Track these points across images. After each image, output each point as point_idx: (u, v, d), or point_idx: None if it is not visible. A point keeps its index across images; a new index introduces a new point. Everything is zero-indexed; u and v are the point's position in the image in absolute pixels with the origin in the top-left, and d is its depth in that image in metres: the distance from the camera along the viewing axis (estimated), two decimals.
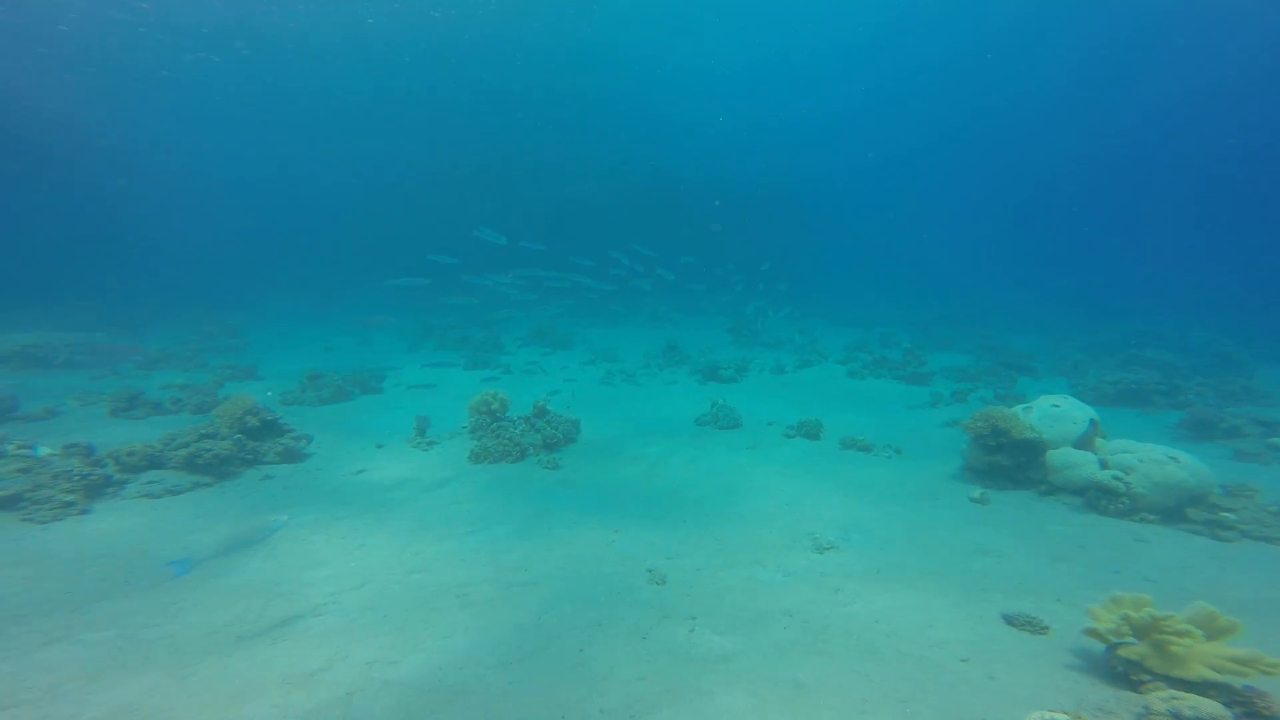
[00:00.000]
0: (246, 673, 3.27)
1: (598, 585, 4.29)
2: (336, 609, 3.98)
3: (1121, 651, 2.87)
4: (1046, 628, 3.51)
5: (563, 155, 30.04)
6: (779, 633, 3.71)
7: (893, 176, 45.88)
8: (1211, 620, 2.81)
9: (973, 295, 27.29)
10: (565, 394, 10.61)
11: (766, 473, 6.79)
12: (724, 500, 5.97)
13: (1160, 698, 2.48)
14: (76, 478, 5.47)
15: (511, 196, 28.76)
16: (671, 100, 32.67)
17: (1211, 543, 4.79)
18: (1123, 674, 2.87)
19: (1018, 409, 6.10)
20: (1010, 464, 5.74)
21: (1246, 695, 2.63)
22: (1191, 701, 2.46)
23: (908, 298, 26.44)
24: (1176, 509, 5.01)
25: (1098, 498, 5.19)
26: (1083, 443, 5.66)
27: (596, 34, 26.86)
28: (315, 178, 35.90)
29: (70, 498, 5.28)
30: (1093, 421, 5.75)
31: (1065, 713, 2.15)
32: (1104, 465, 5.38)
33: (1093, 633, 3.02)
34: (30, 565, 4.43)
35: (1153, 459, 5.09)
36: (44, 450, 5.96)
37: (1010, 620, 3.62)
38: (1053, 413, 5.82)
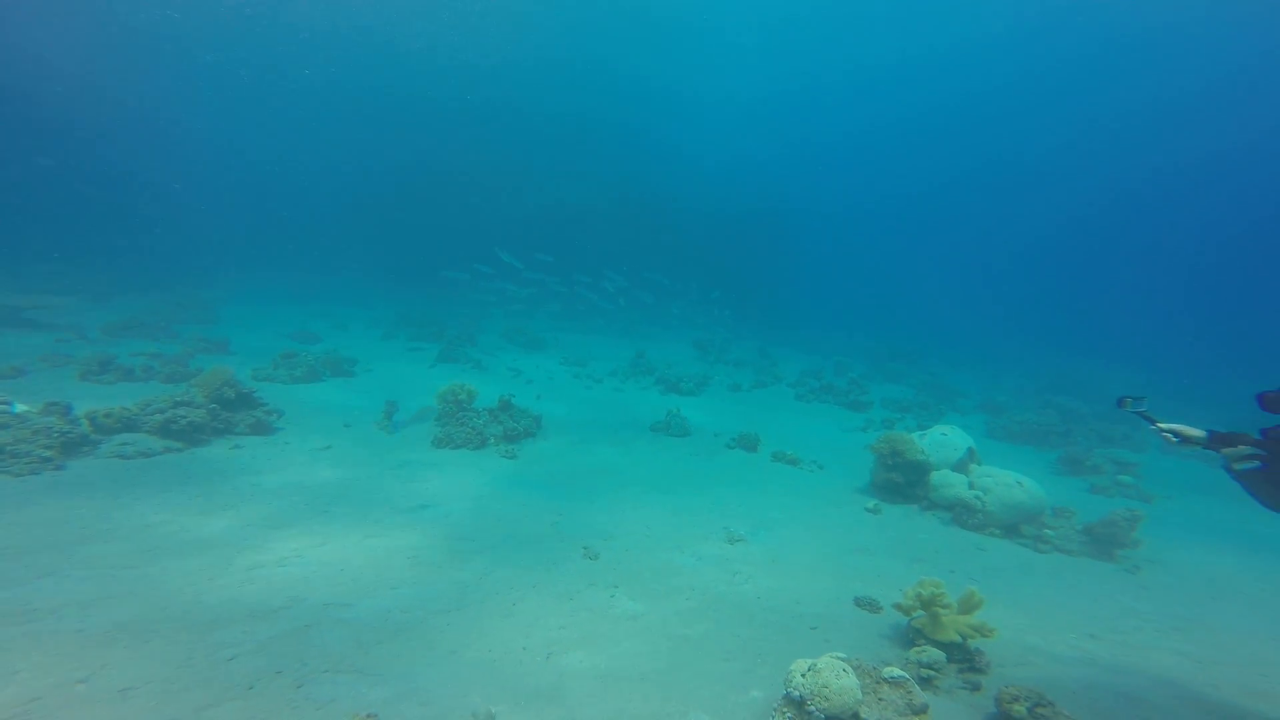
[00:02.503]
0: (219, 608, 3.82)
1: (538, 556, 4.96)
2: (298, 561, 4.55)
3: (914, 622, 3.72)
4: (881, 608, 4.38)
5: (564, 165, 31.19)
6: (682, 602, 4.46)
7: (877, 215, 48.09)
8: (970, 598, 3.69)
9: (933, 332, 28.90)
10: (531, 391, 11.24)
11: (703, 477, 7.57)
12: (661, 496, 6.71)
13: (915, 650, 3.34)
14: (55, 435, 5.85)
15: (514, 199, 29.62)
16: (670, 124, 34.00)
17: (1030, 553, 5.82)
18: (911, 639, 3.73)
19: (914, 435, 7.06)
20: (903, 481, 6.66)
21: (974, 652, 3.55)
22: (929, 654, 3.35)
23: (875, 332, 27.85)
24: (1015, 525, 6.00)
25: (961, 513, 6.15)
26: (959, 466, 6.63)
27: (604, 54, 28.08)
28: (306, 167, 36.05)
29: (48, 454, 5.66)
30: (969, 449, 6.73)
31: (837, 657, 2.95)
32: (971, 486, 6.34)
33: (899, 607, 3.87)
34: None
35: (1004, 483, 6.07)
36: (21, 407, 6.30)
37: (858, 602, 4.47)
38: (940, 440, 6.79)
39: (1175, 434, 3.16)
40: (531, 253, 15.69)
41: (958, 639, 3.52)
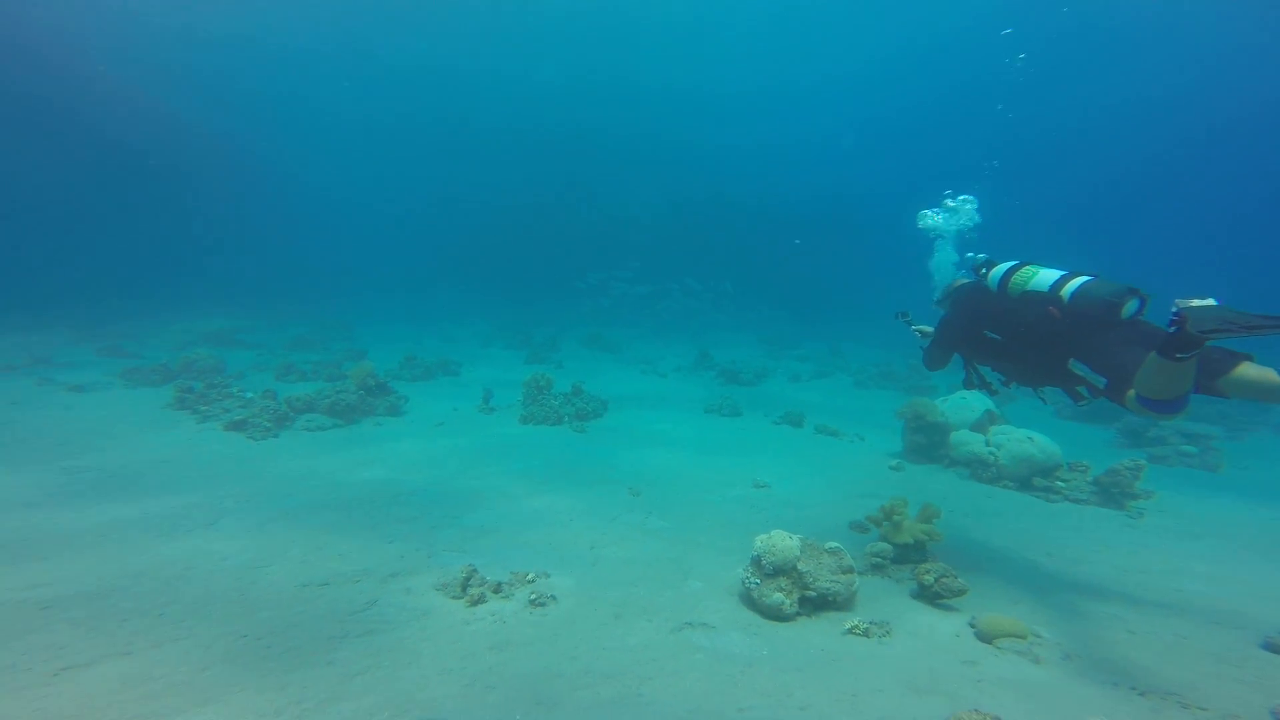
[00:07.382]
0: (385, 511, 5.64)
1: (594, 494, 6.37)
2: (425, 493, 6.30)
3: (881, 530, 4.55)
4: (869, 530, 5.19)
5: (623, 182, 33.46)
6: (699, 523, 5.62)
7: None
8: (926, 510, 4.43)
9: None
10: (603, 383, 12.83)
11: (745, 445, 8.59)
12: (703, 458, 7.85)
13: (870, 546, 4.24)
14: (271, 412, 8.36)
15: (584, 217, 32.37)
16: (726, 131, 34.96)
17: (1036, 501, 6.13)
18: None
19: (937, 400, 7.52)
20: (926, 442, 7.18)
21: (930, 554, 4.31)
22: (878, 546, 4.21)
23: None
24: (1027, 478, 6.30)
25: (977, 468, 6.57)
26: (977, 426, 7.00)
27: (670, 74, 29.95)
28: (422, 200, 41.85)
29: (268, 424, 8.14)
30: (987, 411, 7.08)
31: (798, 538, 3.98)
32: (987, 443, 6.71)
33: (869, 518, 4.72)
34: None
35: (1016, 439, 6.40)
36: (250, 394, 8.98)
37: (852, 525, 5.34)
38: (959, 403, 7.21)
39: (920, 332, 4.50)
40: (626, 260, 17.94)
41: (912, 541, 4.35)
